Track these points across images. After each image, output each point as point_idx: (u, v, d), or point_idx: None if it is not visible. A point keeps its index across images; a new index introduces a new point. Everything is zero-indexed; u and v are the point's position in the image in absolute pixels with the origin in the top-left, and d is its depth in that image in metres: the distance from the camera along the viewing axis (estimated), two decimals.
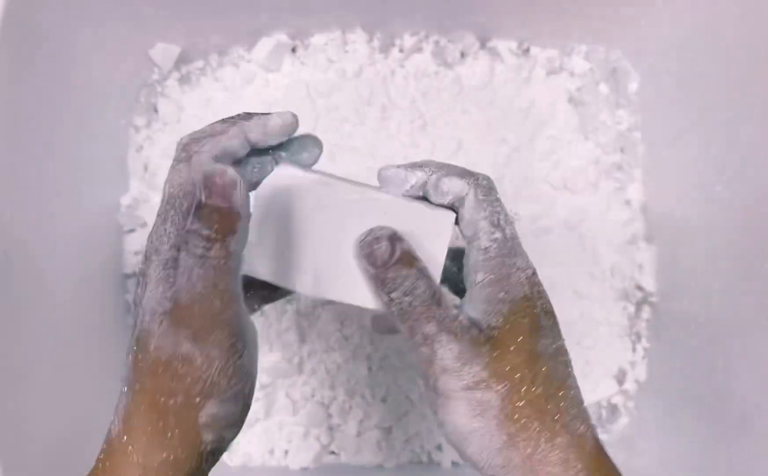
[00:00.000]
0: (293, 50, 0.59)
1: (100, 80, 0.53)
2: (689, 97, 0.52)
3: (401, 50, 0.59)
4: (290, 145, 0.35)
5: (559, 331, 0.30)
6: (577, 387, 0.29)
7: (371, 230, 0.30)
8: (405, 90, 0.59)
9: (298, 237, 0.32)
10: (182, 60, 0.58)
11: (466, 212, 0.30)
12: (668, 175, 0.56)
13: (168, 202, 0.27)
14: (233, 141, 0.30)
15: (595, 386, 0.58)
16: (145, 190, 0.57)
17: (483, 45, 0.60)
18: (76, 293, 0.50)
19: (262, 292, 0.35)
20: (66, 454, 0.44)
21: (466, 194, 0.30)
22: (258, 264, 0.31)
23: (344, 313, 0.57)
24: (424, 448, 0.57)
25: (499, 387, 0.27)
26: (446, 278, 0.34)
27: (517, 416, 0.27)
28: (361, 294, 0.31)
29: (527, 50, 0.60)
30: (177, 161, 0.28)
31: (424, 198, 0.32)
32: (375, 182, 0.58)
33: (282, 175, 0.32)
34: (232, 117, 0.31)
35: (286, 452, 0.57)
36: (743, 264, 0.46)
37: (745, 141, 0.45)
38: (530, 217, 0.58)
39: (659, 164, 0.57)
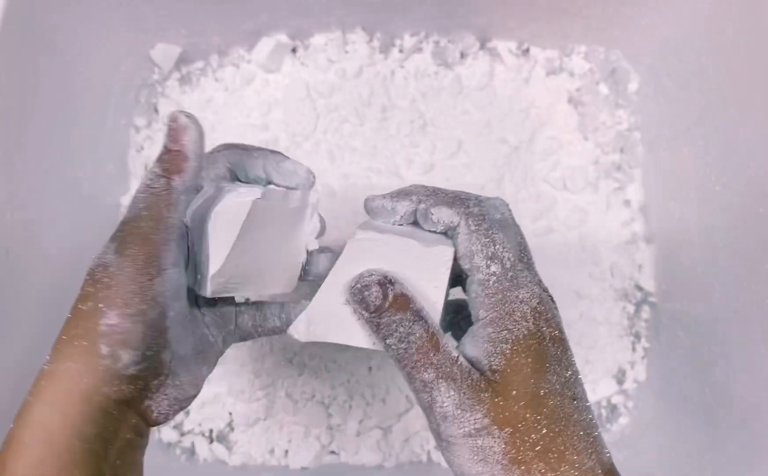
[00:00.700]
0: (293, 50, 0.59)
1: (101, 80, 0.53)
2: (689, 97, 0.52)
3: (401, 50, 0.59)
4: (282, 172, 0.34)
5: (568, 358, 0.29)
6: (587, 417, 0.28)
7: (360, 276, 0.29)
8: (405, 90, 0.59)
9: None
10: (182, 60, 0.58)
11: (460, 244, 0.29)
12: (668, 175, 0.56)
13: None
14: (257, 167, 0.33)
15: (594, 386, 0.58)
16: None
17: (483, 45, 0.60)
18: (77, 294, 0.50)
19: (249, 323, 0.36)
20: None
21: (458, 224, 0.29)
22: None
23: None
24: (424, 448, 0.57)
25: (502, 433, 0.26)
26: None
27: (521, 459, 0.26)
28: (358, 335, 0.30)
29: (527, 50, 0.60)
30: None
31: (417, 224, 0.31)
32: (375, 182, 0.59)
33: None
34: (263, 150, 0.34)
35: (286, 452, 0.57)
36: (743, 264, 0.46)
37: (745, 141, 0.45)
38: (530, 217, 0.58)
39: (659, 164, 0.57)
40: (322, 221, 0.36)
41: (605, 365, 0.58)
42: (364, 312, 0.28)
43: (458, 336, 0.31)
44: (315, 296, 0.30)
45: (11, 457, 0.27)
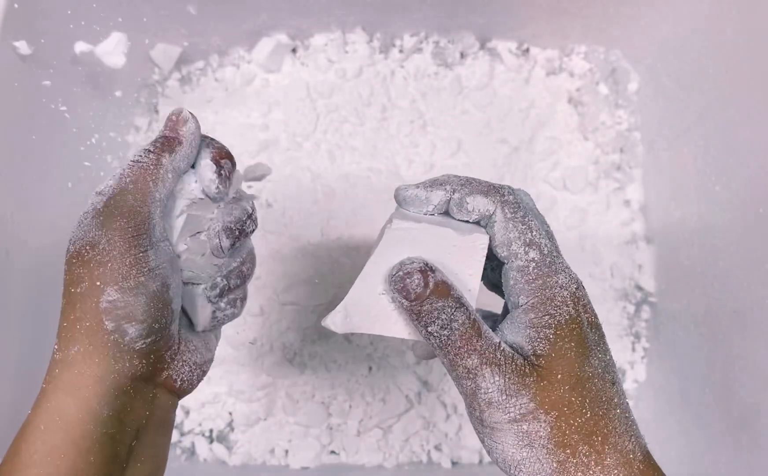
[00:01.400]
0: (293, 51, 0.59)
1: (101, 81, 0.53)
2: (689, 97, 0.52)
3: (401, 50, 0.59)
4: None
5: (605, 344, 0.29)
6: (624, 401, 0.29)
7: (401, 263, 0.28)
8: (405, 90, 0.59)
9: None
10: (183, 61, 0.58)
11: (497, 232, 0.29)
12: (668, 175, 0.56)
13: None
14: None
15: None
16: None
17: (483, 45, 0.60)
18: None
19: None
20: None
21: (493, 212, 0.29)
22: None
23: None
24: (424, 448, 0.57)
25: (548, 417, 0.26)
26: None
27: (566, 443, 0.27)
28: (396, 325, 0.30)
29: (527, 50, 0.60)
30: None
31: (448, 214, 0.30)
32: (375, 182, 0.59)
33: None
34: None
35: (287, 451, 0.57)
36: (743, 264, 0.46)
37: (745, 141, 0.45)
38: None
39: (659, 164, 0.57)
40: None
41: None
42: (404, 301, 0.28)
43: None
44: (352, 287, 0.30)
45: (25, 443, 0.27)
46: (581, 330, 0.28)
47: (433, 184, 0.30)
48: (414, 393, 0.56)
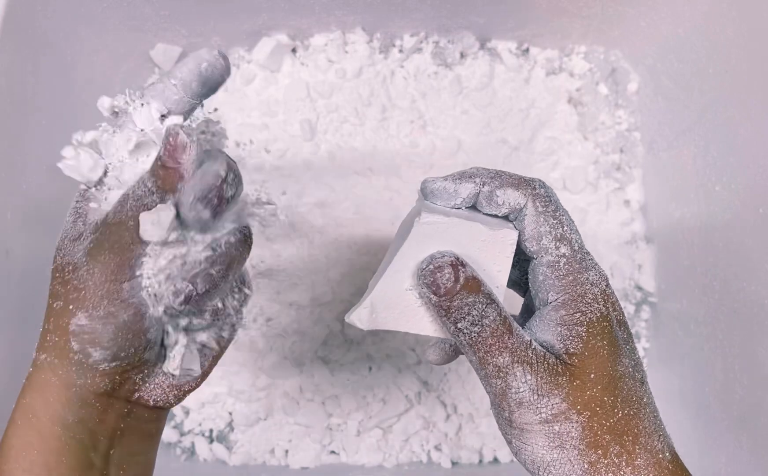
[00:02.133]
0: (293, 51, 0.59)
1: (101, 81, 0.53)
2: (689, 97, 0.52)
3: (401, 50, 0.59)
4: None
5: (633, 342, 0.28)
6: (652, 401, 0.28)
7: (432, 257, 0.27)
8: (405, 90, 0.59)
9: None
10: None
11: (528, 226, 0.28)
12: (668, 175, 0.56)
13: None
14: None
15: None
16: None
17: (483, 45, 0.60)
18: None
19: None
20: None
21: (524, 205, 0.28)
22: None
23: (346, 313, 0.57)
24: (424, 448, 0.57)
25: (580, 418, 0.26)
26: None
27: (598, 443, 0.26)
28: (422, 322, 0.29)
29: (527, 51, 0.60)
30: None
31: (474, 207, 0.30)
32: (375, 182, 0.59)
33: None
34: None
35: (287, 452, 0.57)
36: (743, 264, 0.46)
37: (745, 141, 0.45)
38: None
39: (659, 164, 0.57)
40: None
41: None
42: (432, 296, 0.27)
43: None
44: (378, 282, 0.29)
45: (6, 437, 0.28)
46: (612, 328, 0.27)
47: (462, 176, 0.29)
48: (414, 393, 0.56)
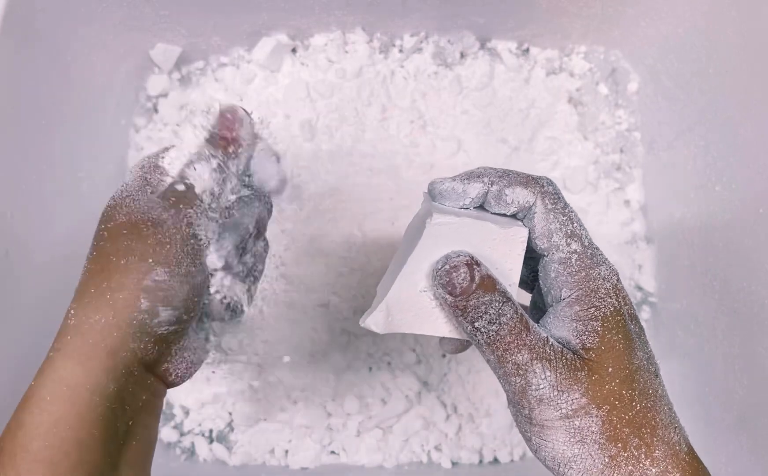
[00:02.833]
0: (293, 50, 0.59)
1: (101, 80, 0.53)
2: (689, 97, 0.52)
3: (401, 50, 0.59)
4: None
5: (645, 335, 0.29)
6: (666, 393, 0.28)
7: (447, 257, 0.27)
8: (405, 90, 0.59)
9: None
10: (183, 60, 0.58)
11: (538, 223, 0.28)
12: (668, 175, 0.56)
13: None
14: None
15: None
16: None
17: (483, 45, 0.60)
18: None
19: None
20: None
21: (533, 203, 0.28)
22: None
23: (345, 313, 0.57)
24: (424, 448, 0.57)
25: (600, 412, 0.26)
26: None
27: (617, 437, 0.26)
28: (437, 323, 0.29)
29: (527, 50, 0.60)
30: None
31: (482, 208, 0.30)
32: (375, 182, 0.59)
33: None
34: None
35: (286, 452, 0.57)
36: (743, 264, 0.46)
37: (745, 141, 0.45)
38: None
39: (659, 164, 0.57)
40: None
41: None
42: (448, 296, 0.27)
43: None
44: (393, 285, 0.29)
45: (29, 414, 0.26)
46: (625, 322, 0.27)
47: (470, 176, 0.29)
48: (414, 393, 0.56)
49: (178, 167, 0.31)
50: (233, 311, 0.33)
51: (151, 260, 0.28)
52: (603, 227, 0.59)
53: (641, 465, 0.26)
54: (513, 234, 0.28)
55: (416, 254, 0.28)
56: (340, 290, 0.56)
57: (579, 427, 0.26)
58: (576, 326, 0.27)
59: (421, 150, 0.58)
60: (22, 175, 0.44)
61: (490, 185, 0.29)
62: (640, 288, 0.59)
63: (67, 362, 0.27)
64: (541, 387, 0.26)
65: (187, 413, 0.57)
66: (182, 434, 0.57)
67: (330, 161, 0.58)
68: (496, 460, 0.57)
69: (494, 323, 0.26)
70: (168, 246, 0.28)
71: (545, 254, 0.28)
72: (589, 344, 0.26)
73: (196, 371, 0.32)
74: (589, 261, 0.27)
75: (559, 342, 0.27)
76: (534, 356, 0.26)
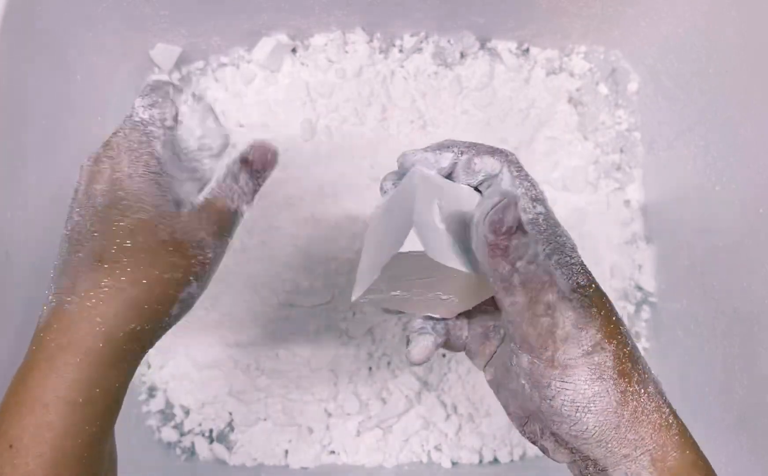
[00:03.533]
0: (293, 51, 0.59)
1: (101, 80, 0.53)
2: (688, 97, 0.52)
3: (401, 50, 0.59)
4: None
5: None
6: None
7: (505, 193, 0.27)
8: (405, 90, 0.59)
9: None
10: (183, 61, 0.58)
11: (503, 189, 0.29)
12: (668, 175, 0.56)
13: (134, 116, 0.34)
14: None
15: None
16: None
17: (483, 45, 0.60)
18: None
19: None
20: None
21: (500, 171, 0.30)
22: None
23: (346, 314, 0.57)
24: (424, 448, 0.57)
25: (610, 346, 0.27)
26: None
27: (624, 371, 0.27)
28: (453, 259, 0.29)
29: (527, 50, 0.60)
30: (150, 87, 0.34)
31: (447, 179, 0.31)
32: (375, 183, 0.58)
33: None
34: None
35: (286, 452, 0.57)
36: (743, 264, 0.46)
37: (745, 141, 0.45)
38: None
39: (659, 164, 0.57)
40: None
41: None
42: (491, 235, 0.27)
43: None
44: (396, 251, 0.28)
45: (8, 435, 0.28)
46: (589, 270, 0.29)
47: (441, 147, 0.31)
48: (414, 393, 0.56)
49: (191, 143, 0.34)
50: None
51: (191, 278, 0.31)
52: (603, 227, 0.59)
53: (642, 400, 0.27)
54: (488, 196, 0.29)
55: (419, 210, 0.28)
56: (339, 289, 0.56)
57: (597, 363, 0.27)
58: (563, 271, 0.28)
59: None
60: (22, 175, 0.44)
61: (459, 155, 0.30)
62: (640, 288, 0.59)
63: (41, 368, 0.28)
64: (567, 325, 0.27)
65: (187, 413, 0.57)
66: (182, 434, 0.57)
67: (330, 160, 0.58)
68: (496, 460, 0.57)
69: (532, 263, 0.27)
70: (207, 265, 0.32)
71: None
72: (583, 283, 0.28)
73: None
74: (552, 222, 0.29)
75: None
76: (560, 296, 0.27)
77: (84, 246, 0.30)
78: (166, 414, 0.57)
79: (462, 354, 0.56)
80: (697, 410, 0.50)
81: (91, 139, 0.53)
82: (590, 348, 0.27)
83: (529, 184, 0.29)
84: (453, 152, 0.30)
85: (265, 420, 0.57)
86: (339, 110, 0.58)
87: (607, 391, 0.27)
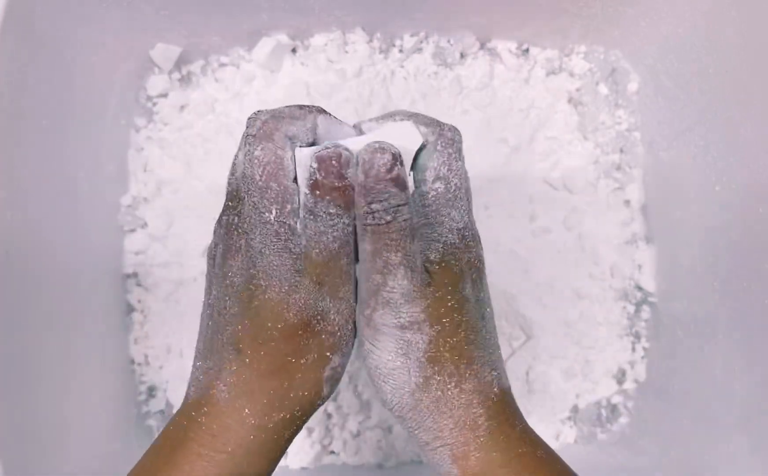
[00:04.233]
0: (293, 51, 0.59)
1: (100, 81, 0.53)
2: (689, 97, 0.52)
3: (401, 50, 0.59)
4: None
5: (484, 286, 0.31)
6: (493, 339, 0.30)
7: (378, 141, 0.28)
8: (405, 90, 0.59)
9: None
10: (182, 61, 0.58)
11: (420, 157, 0.30)
12: (668, 175, 0.56)
13: (257, 179, 0.28)
14: (308, 128, 0.31)
15: (594, 386, 0.58)
16: (145, 190, 0.57)
17: (483, 45, 0.60)
18: (76, 294, 0.50)
19: None
20: (65, 453, 0.44)
21: (427, 141, 0.30)
22: None
23: None
24: None
25: (431, 331, 0.28)
26: None
27: (437, 359, 0.28)
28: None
29: (527, 51, 0.60)
30: (256, 137, 0.29)
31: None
32: None
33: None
34: (309, 106, 0.33)
35: (286, 452, 0.57)
36: (743, 264, 0.46)
37: (745, 141, 0.45)
38: (529, 217, 0.58)
39: (659, 164, 0.57)
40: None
41: (605, 365, 0.58)
42: (361, 175, 0.27)
43: None
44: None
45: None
46: (462, 259, 0.29)
47: (385, 116, 0.32)
48: None
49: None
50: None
51: (329, 353, 0.29)
52: (603, 227, 0.59)
53: (449, 393, 0.28)
54: (408, 134, 0.30)
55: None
56: None
57: (408, 340, 0.28)
58: (423, 245, 0.28)
59: None
60: (22, 175, 0.44)
61: (400, 122, 0.31)
62: (640, 288, 0.59)
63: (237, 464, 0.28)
64: (394, 291, 0.27)
65: None
66: None
67: None
68: None
69: (389, 214, 0.27)
70: (338, 333, 0.29)
71: (416, 185, 0.30)
72: (432, 258, 0.28)
73: None
74: (445, 202, 0.29)
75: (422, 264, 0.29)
76: (404, 261, 0.27)
77: (226, 330, 0.29)
78: (166, 414, 0.57)
79: None
80: (696, 410, 0.50)
81: (91, 139, 0.53)
82: (406, 323, 0.27)
83: (443, 161, 0.29)
84: (394, 119, 0.31)
85: None
86: (339, 110, 0.58)
87: (408, 370, 0.28)
